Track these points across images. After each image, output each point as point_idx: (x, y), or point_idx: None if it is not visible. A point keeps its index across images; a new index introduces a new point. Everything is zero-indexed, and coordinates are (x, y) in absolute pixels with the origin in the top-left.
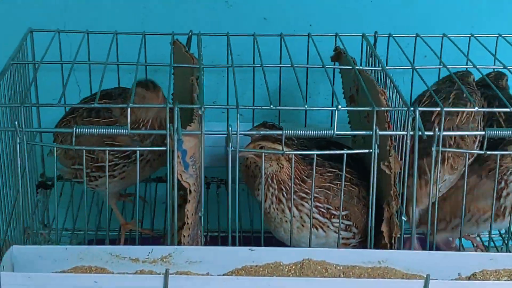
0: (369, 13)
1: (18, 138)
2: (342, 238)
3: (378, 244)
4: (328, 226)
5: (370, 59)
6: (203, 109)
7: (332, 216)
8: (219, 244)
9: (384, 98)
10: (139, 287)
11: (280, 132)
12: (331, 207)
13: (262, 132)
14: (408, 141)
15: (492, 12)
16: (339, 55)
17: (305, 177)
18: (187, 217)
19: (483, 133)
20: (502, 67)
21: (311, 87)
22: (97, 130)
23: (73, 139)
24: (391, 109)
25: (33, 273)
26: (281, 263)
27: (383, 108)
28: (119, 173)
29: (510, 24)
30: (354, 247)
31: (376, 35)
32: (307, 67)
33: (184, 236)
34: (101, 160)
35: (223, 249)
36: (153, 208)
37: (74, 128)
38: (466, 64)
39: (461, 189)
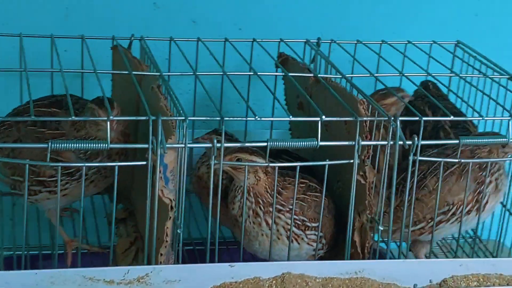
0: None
1: None
2: (313, 250)
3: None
4: (302, 238)
5: (312, 65)
6: (187, 121)
7: (306, 228)
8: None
9: (362, 108)
10: None
11: (265, 144)
12: (306, 219)
13: (247, 144)
14: (388, 151)
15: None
16: (285, 61)
17: (280, 189)
18: (167, 235)
19: (457, 141)
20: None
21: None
22: (74, 145)
23: (48, 154)
24: (373, 119)
25: None
26: (260, 278)
27: (365, 118)
28: (60, 189)
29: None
30: (321, 258)
31: (320, 41)
32: (253, 75)
33: (161, 254)
34: (43, 175)
35: (202, 267)
36: (95, 223)
37: (50, 143)
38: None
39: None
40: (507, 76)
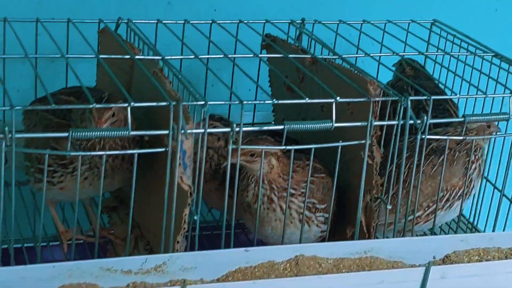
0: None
1: (5, 145)
2: (321, 231)
3: (343, 234)
4: (312, 221)
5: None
6: (207, 106)
7: (316, 210)
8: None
9: (372, 88)
10: None
11: (281, 126)
12: (316, 201)
13: (265, 128)
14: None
15: None
16: (273, 42)
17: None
18: (184, 222)
19: (462, 119)
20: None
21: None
22: (94, 133)
23: (69, 143)
24: (386, 99)
25: None
26: (274, 262)
27: (378, 98)
28: (57, 181)
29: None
30: (324, 239)
31: (304, 22)
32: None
33: (178, 242)
34: (43, 162)
35: (218, 253)
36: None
37: (70, 132)
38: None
39: (435, 173)
40: (492, 54)
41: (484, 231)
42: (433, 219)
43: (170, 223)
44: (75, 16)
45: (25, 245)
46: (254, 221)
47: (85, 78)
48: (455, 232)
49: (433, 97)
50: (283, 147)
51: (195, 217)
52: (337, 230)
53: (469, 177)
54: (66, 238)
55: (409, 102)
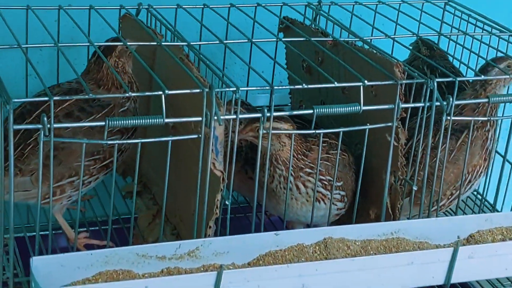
0: None
1: (43, 135)
2: (337, 209)
3: (365, 215)
4: (328, 198)
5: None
6: (239, 92)
7: (332, 188)
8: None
9: (398, 71)
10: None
11: (311, 111)
12: (332, 179)
13: (295, 112)
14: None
15: None
16: (292, 24)
17: (306, 151)
18: (217, 207)
19: (486, 100)
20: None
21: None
22: (129, 121)
23: (105, 133)
24: (412, 81)
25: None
26: (304, 245)
27: (405, 81)
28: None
29: None
30: (342, 216)
31: (321, 3)
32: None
33: (210, 227)
34: (109, 156)
35: (250, 237)
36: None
37: (107, 121)
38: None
39: (454, 158)
40: (509, 33)
41: (501, 210)
42: (455, 202)
43: (202, 208)
44: (95, 2)
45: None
46: (273, 200)
47: None
48: (472, 209)
49: (458, 78)
50: (313, 131)
51: (227, 202)
52: (359, 211)
53: (488, 152)
54: (82, 244)
55: (435, 84)
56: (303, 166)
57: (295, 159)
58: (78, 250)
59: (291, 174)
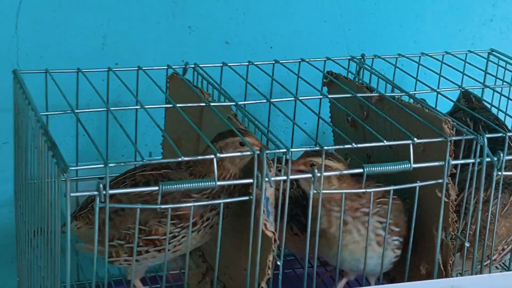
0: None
1: (99, 201)
2: (395, 257)
3: (415, 270)
4: (389, 243)
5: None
6: (289, 153)
7: (391, 233)
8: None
9: (447, 127)
10: None
11: (361, 170)
12: (391, 221)
13: (345, 172)
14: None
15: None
16: (336, 79)
17: (361, 193)
18: (269, 268)
19: None
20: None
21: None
22: (183, 185)
23: (159, 197)
24: (462, 137)
25: None
26: None
27: (454, 138)
28: (174, 245)
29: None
30: (390, 270)
31: (364, 57)
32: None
33: (262, 287)
34: (155, 233)
35: None
36: None
37: (160, 185)
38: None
39: (507, 212)
40: None
41: None
42: (507, 257)
43: (254, 269)
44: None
45: None
46: (331, 245)
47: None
48: None
49: (509, 133)
50: (363, 190)
51: (279, 262)
52: (410, 267)
53: None
54: None
55: (485, 140)
56: (359, 206)
57: (348, 200)
58: None
59: (348, 215)
